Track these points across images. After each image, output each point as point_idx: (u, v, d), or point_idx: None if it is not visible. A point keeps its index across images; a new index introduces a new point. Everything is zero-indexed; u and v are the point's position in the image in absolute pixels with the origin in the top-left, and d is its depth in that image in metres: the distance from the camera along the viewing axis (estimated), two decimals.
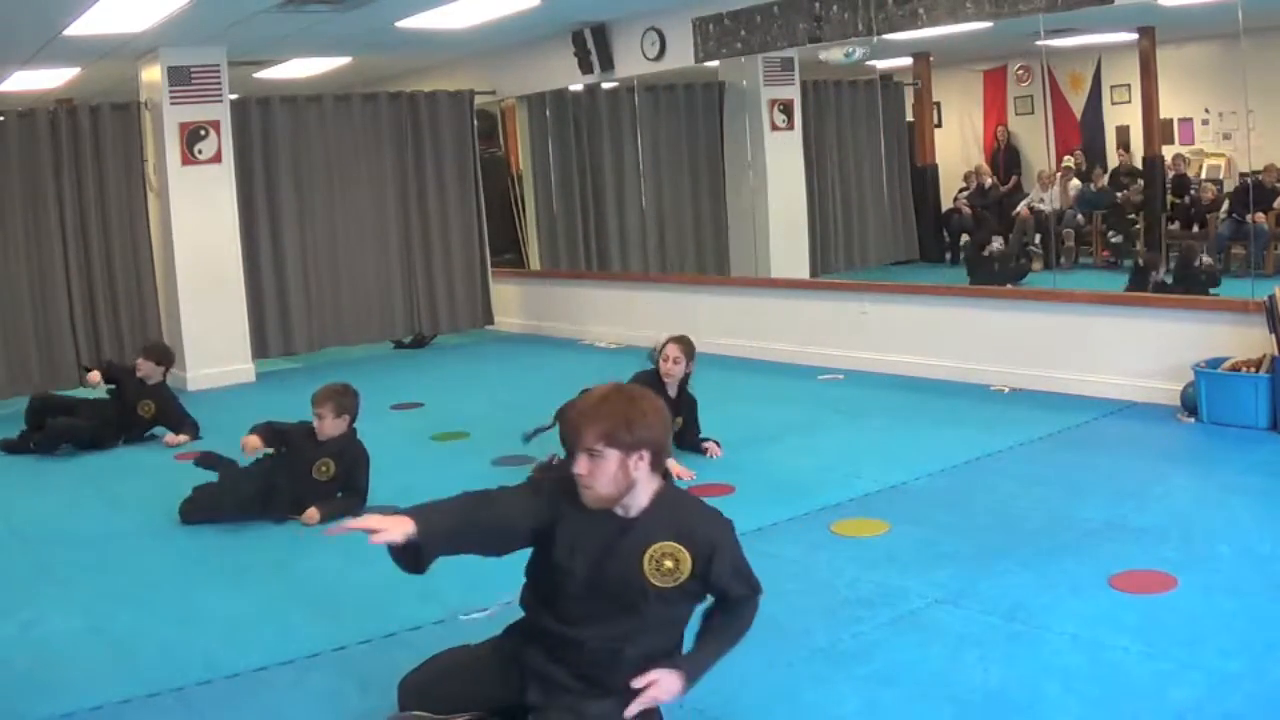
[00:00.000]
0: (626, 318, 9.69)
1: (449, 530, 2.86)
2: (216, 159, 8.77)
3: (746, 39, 8.28)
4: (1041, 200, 10.08)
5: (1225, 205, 9.39)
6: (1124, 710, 2.98)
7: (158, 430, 6.89)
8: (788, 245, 9.62)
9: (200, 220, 8.75)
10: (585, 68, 9.56)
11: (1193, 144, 9.83)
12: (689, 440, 5.86)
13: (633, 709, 2.65)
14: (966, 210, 10.89)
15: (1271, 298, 5.68)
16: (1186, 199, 9.75)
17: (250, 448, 5.16)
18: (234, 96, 9.06)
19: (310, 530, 4.98)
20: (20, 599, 4.32)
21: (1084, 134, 10.54)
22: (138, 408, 6.79)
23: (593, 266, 10.49)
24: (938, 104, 11.10)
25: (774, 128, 9.54)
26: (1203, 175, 9.79)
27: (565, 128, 10.49)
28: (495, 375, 8.97)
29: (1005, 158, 11.11)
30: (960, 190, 11.09)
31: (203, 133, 8.68)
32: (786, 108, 9.58)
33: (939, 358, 7.34)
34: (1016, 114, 11.07)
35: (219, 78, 8.70)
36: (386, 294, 10.09)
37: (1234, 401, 5.71)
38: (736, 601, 2.80)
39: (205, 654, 3.68)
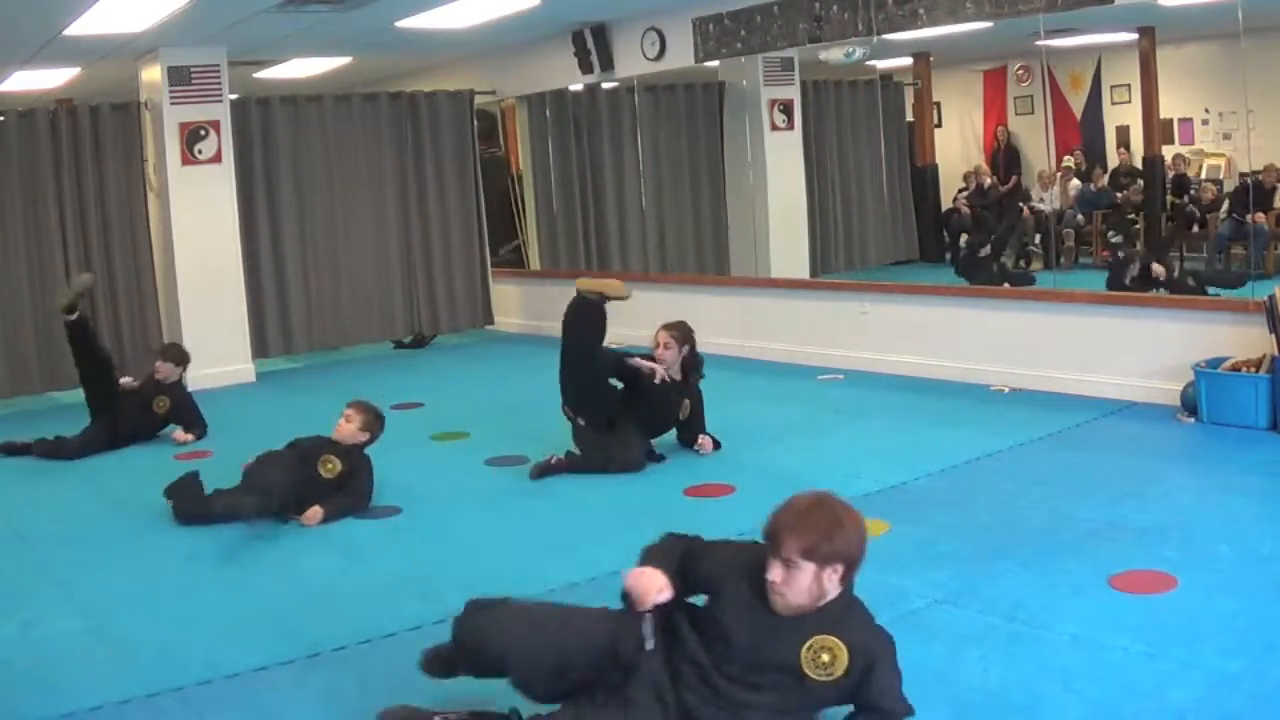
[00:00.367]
0: (626, 318, 9.57)
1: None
2: (216, 159, 8.77)
3: (746, 39, 8.28)
4: (1041, 200, 10.08)
5: (1225, 205, 9.39)
6: (1124, 710, 2.98)
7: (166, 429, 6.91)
8: (788, 245, 9.62)
9: (200, 220, 8.75)
10: (585, 68, 9.56)
11: (1193, 144, 9.83)
12: (693, 434, 5.88)
13: None
14: (966, 210, 10.89)
15: (1271, 298, 5.68)
16: (1186, 199, 9.75)
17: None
18: (234, 96, 9.06)
19: (310, 530, 4.98)
20: (20, 599, 4.32)
21: (1084, 134, 10.55)
22: (153, 404, 6.81)
23: (593, 266, 10.48)
24: (938, 104, 11.10)
25: (774, 128, 9.54)
26: (1203, 175, 9.79)
27: (565, 128, 10.49)
28: (495, 375, 8.98)
29: (1005, 158, 11.11)
30: (960, 190, 11.09)
31: (203, 133, 8.68)
32: (786, 108, 9.58)
33: (939, 358, 7.34)
34: (1016, 114, 11.08)
35: (219, 78, 8.70)
36: (386, 294, 10.09)
37: (1234, 401, 5.71)
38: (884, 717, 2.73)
39: (205, 654, 3.68)
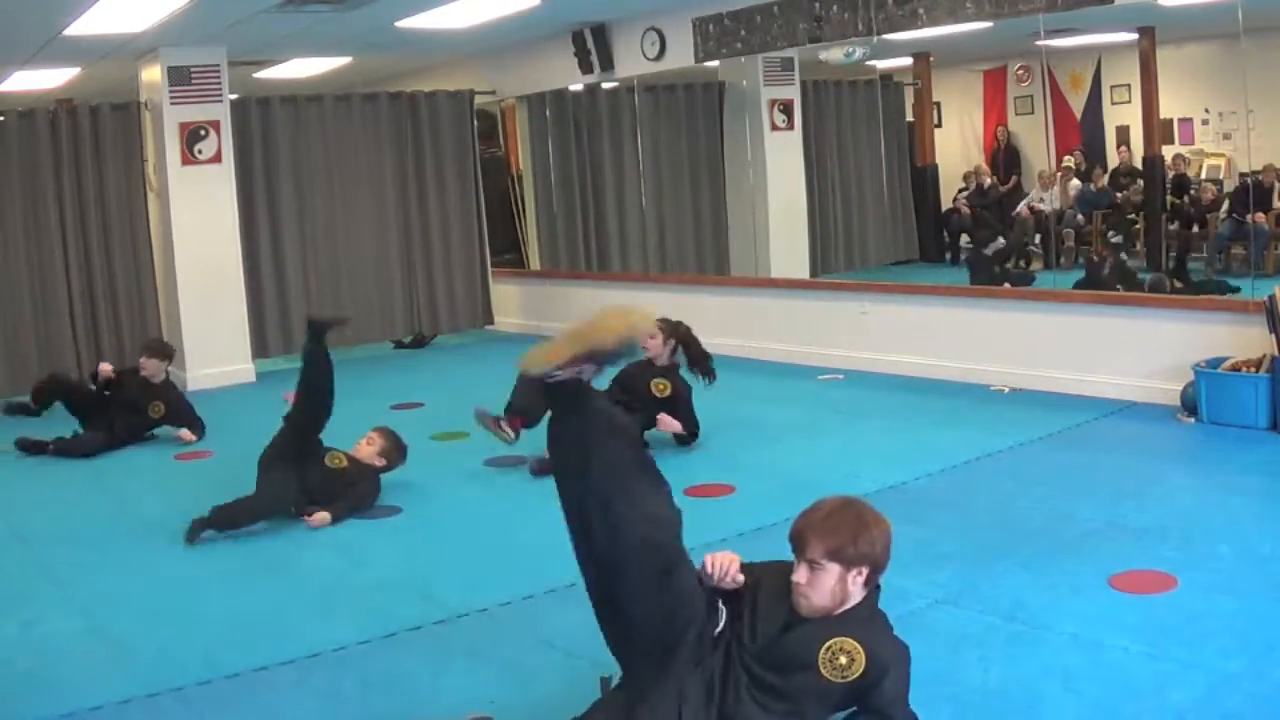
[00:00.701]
0: None
1: None
2: (216, 159, 8.77)
3: (746, 39, 8.28)
4: (1041, 200, 10.08)
5: (1225, 205, 9.39)
6: (1124, 710, 2.98)
7: (159, 430, 6.90)
8: (788, 245, 9.62)
9: (200, 220, 8.75)
10: (585, 68, 9.55)
11: (1193, 144, 9.83)
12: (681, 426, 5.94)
13: None
14: (966, 210, 10.89)
15: (1271, 298, 5.68)
16: (1186, 199, 9.75)
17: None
18: (234, 96, 9.06)
19: (310, 531, 4.98)
20: (20, 599, 4.33)
21: (1084, 134, 10.55)
22: (148, 409, 6.80)
23: (593, 266, 10.49)
24: (938, 104, 11.10)
25: (774, 128, 9.54)
26: (1203, 175, 9.79)
27: (565, 128, 10.49)
28: (495, 375, 8.93)
29: (1005, 158, 11.11)
30: (960, 190, 11.09)
31: (203, 133, 8.68)
32: (786, 108, 9.58)
33: (939, 358, 7.34)
34: (1016, 114, 11.07)
35: (219, 78, 8.70)
36: (386, 294, 10.09)
37: (1234, 401, 5.71)
38: None
39: (205, 654, 3.68)
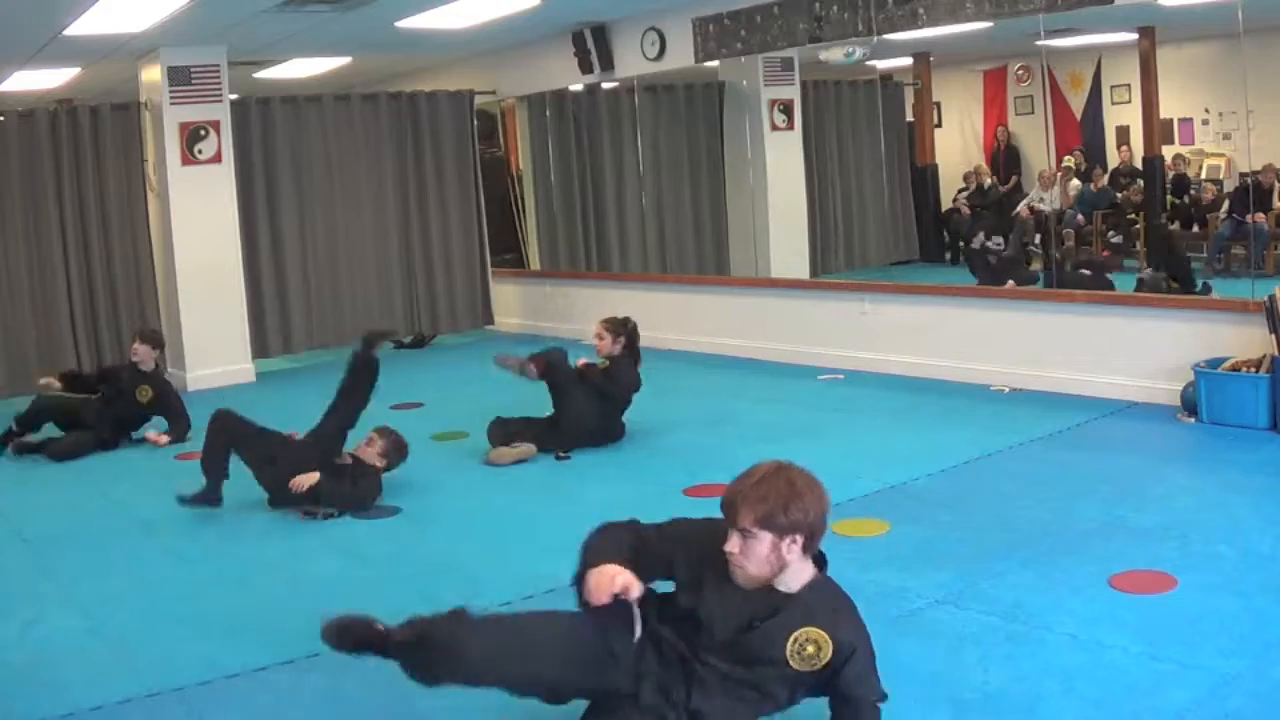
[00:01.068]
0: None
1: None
2: (216, 159, 8.77)
3: (746, 39, 8.28)
4: (1041, 200, 10.08)
5: (1225, 205, 9.38)
6: (1124, 710, 2.98)
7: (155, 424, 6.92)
8: (788, 245, 9.62)
9: (200, 220, 8.75)
10: (585, 68, 9.56)
11: (1193, 144, 9.84)
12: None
13: None
14: (966, 210, 10.89)
15: (1271, 298, 5.68)
16: (1186, 199, 9.75)
17: (306, 483, 5.14)
18: (234, 96, 9.06)
19: (310, 531, 4.99)
20: (20, 599, 4.33)
21: (1084, 134, 10.55)
22: (135, 392, 6.79)
23: (593, 266, 10.49)
24: (938, 104, 11.10)
25: (774, 128, 9.54)
26: (1203, 175, 9.80)
27: (565, 128, 10.49)
28: (495, 375, 8.94)
29: (1005, 158, 11.12)
30: (960, 190, 11.09)
31: (203, 133, 8.68)
32: (786, 108, 9.58)
33: (939, 358, 7.34)
34: (1016, 114, 11.08)
35: (219, 78, 8.70)
36: (386, 294, 10.09)
37: (1234, 401, 5.71)
38: (857, 708, 2.72)
39: (205, 654, 3.68)
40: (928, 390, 7.06)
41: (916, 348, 7.50)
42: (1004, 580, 3.92)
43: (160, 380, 6.91)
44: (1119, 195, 10.17)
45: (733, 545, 2.66)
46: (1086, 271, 8.68)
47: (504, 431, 6.05)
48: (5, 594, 4.39)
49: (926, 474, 5.27)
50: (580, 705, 2.83)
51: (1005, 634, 3.49)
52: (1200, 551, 4.07)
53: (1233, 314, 6.07)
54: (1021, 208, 10.31)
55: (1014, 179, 10.93)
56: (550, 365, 6.01)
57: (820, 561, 2.78)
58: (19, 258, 8.47)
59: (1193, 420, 5.89)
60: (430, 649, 2.76)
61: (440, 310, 10.40)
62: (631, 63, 9.34)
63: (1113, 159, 10.43)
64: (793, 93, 9.60)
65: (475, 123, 10.55)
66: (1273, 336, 5.68)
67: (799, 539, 2.64)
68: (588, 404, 6.07)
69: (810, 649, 2.66)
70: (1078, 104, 10.48)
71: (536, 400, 6.28)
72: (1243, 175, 9.14)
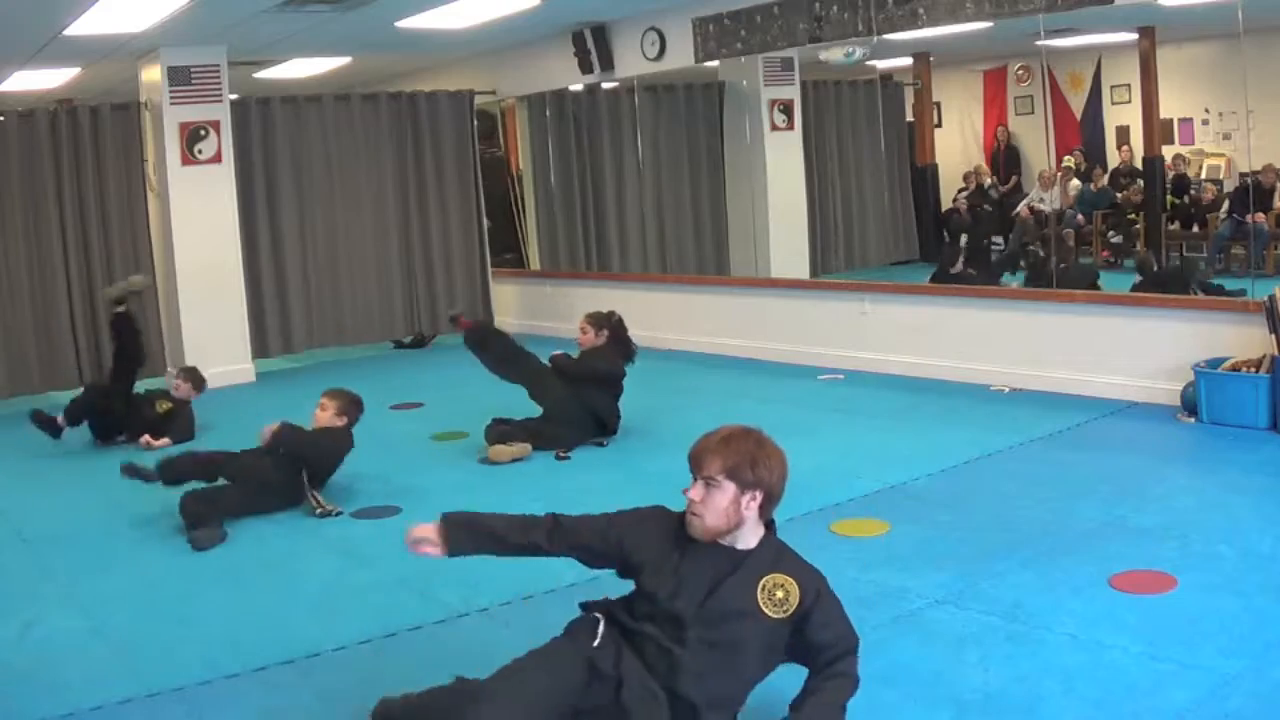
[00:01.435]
0: (626, 317, 9.66)
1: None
2: (216, 159, 8.77)
3: (746, 39, 8.28)
4: (1041, 200, 10.08)
5: (1225, 205, 9.39)
6: (1124, 710, 2.98)
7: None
8: (788, 245, 9.62)
9: (200, 220, 8.75)
10: (585, 68, 9.56)
11: (1193, 144, 9.83)
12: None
13: None
14: (966, 210, 10.89)
15: (1271, 298, 5.68)
16: (1186, 199, 9.75)
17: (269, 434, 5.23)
18: (234, 96, 9.06)
19: (310, 531, 4.99)
20: (20, 599, 4.33)
21: (1084, 134, 10.55)
22: (155, 403, 6.91)
23: (593, 266, 10.49)
24: (938, 104, 11.10)
25: (774, 128, 9.54)
26: (1203, 175, 9.79)
27: (565, 128, 10.49)
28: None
29: (1005, 158, 11.11)
30: (960, 190, 11.09)
31: (203, 133, 8.68)
32: (786, 108, 9.58)
33: (939, 358, 7.34)
34: (1016, 114, 11.08)
35: (219, 78, 8.70)
36: (386, 294, 10.09)
37: (1234, 401, 5.71)
38: (830, 662, 2.78)
39: (205, 654, 3.68)
40: (928, 390, 7.06)
41: (916, 348, 7.50)
42: (1004, 580, 3.92)
43: (185, 405, 6.97)
44: (1119, 195, 10.16)
45: (695, 493, 2.76)
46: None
47: (500, 431, 6.05)
48: (5, 594, 4.40)
49: (926, 474, 5.27)
50: None
51: (1005, 634, 3.49)
52: (1200, 551, 4.07)
53: (1233, 314, 6.07)
54: (1021, 208, 10.31)
55: (1014, 179, 10.94)
56: (477, 324, 6.34)
57: (770, 527, 2.88)
58: (19, 258, 8.47)
59: (1193, 420, 5.89)
60: None
61: (440, 310, 10.39)
62: (631, 63, 9.34)
63: (1113, 159, 10.43)
64: (793, 93, 9.60)
65: (475, 123, 10.55)
66: (1273, 336, 5.68)
67: (758, 496, 2.75)
68: (565, 393, 6.11)
69: (780, 594, 2.76)
70: (1078, 104, 10.47)
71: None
72: (1243, 175, 9.13)
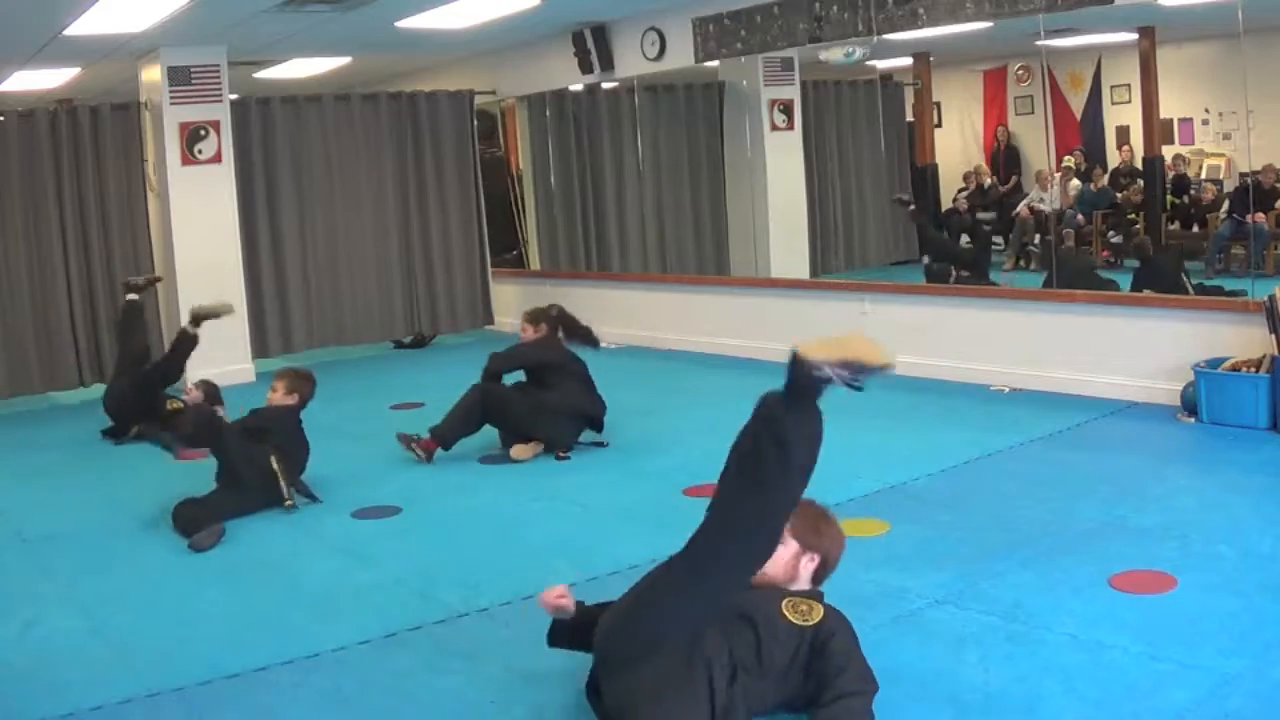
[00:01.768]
0: (626, 317, 9.69)
1: None
2: (216, 159, 8.77)
3: (746, 39, 8.28)
4: (1041, 200, 10.08)
5: (1225, 205, 9.39)
6: (1124, 710, 2.98)
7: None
8: (788, 245, 9.62)
9: (200, 220, 8.76)
10: (585, 68, 9.56)
11: (1193, 144, 9.83)
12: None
13: None
14: (966, 210, 10.89)
15: (1271, 298, 5.68)
16: (1186, 199, 9.75)
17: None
18: (234, 96, 9.06)
19: (310, 531, 4.99)
20: (20, 599, 4.33)
21: (1084, 134, 10.54)
22: (167, 401, 6.96)
23: (593, 266, 10.49)
24: (938, 104, 11.10)
25: (774, 128, 9.54)
26: (1203, 175, 9.79)
27: (565, 128, 10.49)
28: None
29: (1005, 158, 11.11)
30: (960, 190, 11.09)
31: (203, 133, 8.68)
32: (786, 108, 9.58)
33: (939, 358, 7.34)
34: (1016, 114, 11.07)
35: (219, 78, 8.70)
36: (386, 294, 10.09)
37: (1234, 401, 5.71)
38: (845, 694, 2.86)
39: (205, 654, 3.68)
40: (928, 390, 7.06)
41: (916, 348, 7.49)
42: (1004, 580, 3.92)
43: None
44: (1119, 195, 10.16)
45: None
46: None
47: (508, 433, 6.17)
48: (5, 594, 4.40)
49: (926, 474, 5.27)
50: (580, 701, 2.83)
51: (1005, 634, 3.49)
52: (1200, 551, 4.07)
53: (1233, 314, 6.07)
54: (1021, 208, 10.32)
55: (1014, 179, 10.93)
56: (444, 443, 6.10)
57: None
58: (19, 258, 8.47)
59: (1193, 420, 5.89)
60: None
61: (440, 310, 10.40)
62: (631, 63, 9.34)
63: (1113, 159, 10.42)
64: (793, 93, 9.60)
65: (475, 123, 10.55)
66: (1273, 336, 5.68)
67: (816, 559, 3.12)
68: (526, 405, 6.15)
69: (804, 606, 3.00)
70: (1078, 104, 10.47)
71: None
72: (1243, 175, 9.13)
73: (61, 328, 8.62)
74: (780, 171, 9.63)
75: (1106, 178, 10.39)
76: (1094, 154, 10.52)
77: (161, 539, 4.97)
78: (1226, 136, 9.55)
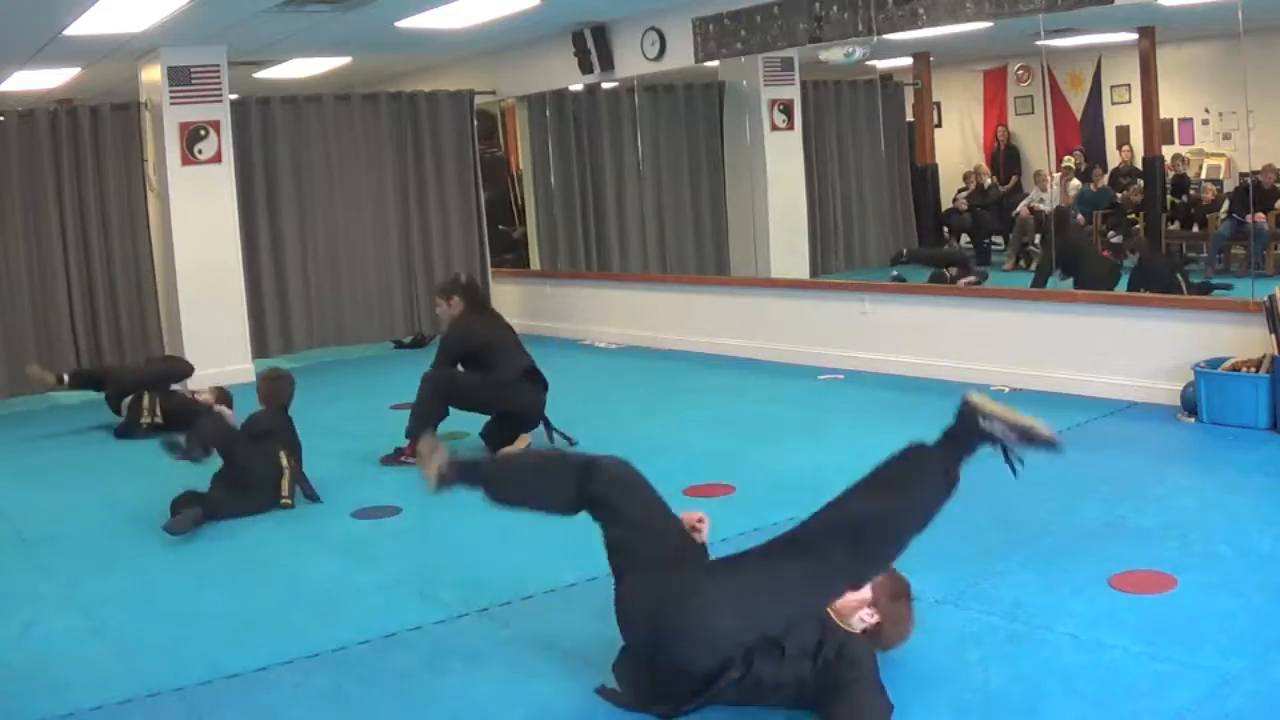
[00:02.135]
0: (627, 317, 9.70)
1: None
2: (216, 159, 8.77)
3: (746, 39, 8.28)
4: (1041, 200, 10.08)
5: (1225, 205, 9.39)
6: (1124, 710, 2.98)
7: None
8: (788, 245, 9.62)
9: (200, 220, 8.75)
10: (585, 68, 9.56)
11: (1193, 144, 9.83)
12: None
13: None
14: (966, 210, 10.90)
15: (1271, 298, 5.68)
16: (1186, 199, 9.75)
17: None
18: (234, 96, 9.06)
19: (310, 531, 4.99)
20: (20, 599, 4.33)
21: (1084, 134, 10.55)
22: (175, 394, 7.11)
23: (593, 266, 10.49)
24: (938, 104, 11.10)
25: (774, 128, 9.54)
26: (1203, 175, 9.79)
27: (565, 128, 10.49)
28: None
29: (1005, 158, 11.12)
30: (960, 190, 11.09)
31: (203, 133, 8.68)
32: (786, 108, 9.58)
33: (939, 358, 7.33)
34: (1016, 114, 11.08)
35: (219, 78, 8.70)
36: (386, 294, 10.10)
37: (1234, 401, 5.70)
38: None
39: (205, 654, 3.68)
40: (928, 390, 7.05)
41: (916, 348, 7.50)
42: (1004, 580, 3.92)
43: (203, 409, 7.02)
44: (1119, 195, 10.17)
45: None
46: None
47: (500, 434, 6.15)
48: (5, 594, 4.39)
49: None
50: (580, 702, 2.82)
51: (1005, 634, 3.49)
52: (1200, 551, 4.07)
53: (1233, 314, 6.06)
54: (1022, 208, 10.32)
55: (1014, 179, 10.94)
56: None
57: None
58: (19, 258, 8.47)
59: (1193, 420, 5.89)
60: None
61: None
62: (631, 63, 9.34)
63: (1113, 159, 10.43)
64: (793, 93, 9.60)
65: (475, 123, 10.55)
66: (1273, 336, 5.68)
67: (875, 618, 3.19)
68: (479, 379, 6.16)
69: (846, 622, 3.10)
70: (1078, 104, 10.48)
71: None
72: (1243, 175, 9.13)
73: (61, 328, 8.62)
74: (780, 171, 9.63)
75: (1106, 178, 10.39)
76: (1094, 154, 10.53)
77: (161, 539, 4.96)
78: (1226, 136, 9.56)
